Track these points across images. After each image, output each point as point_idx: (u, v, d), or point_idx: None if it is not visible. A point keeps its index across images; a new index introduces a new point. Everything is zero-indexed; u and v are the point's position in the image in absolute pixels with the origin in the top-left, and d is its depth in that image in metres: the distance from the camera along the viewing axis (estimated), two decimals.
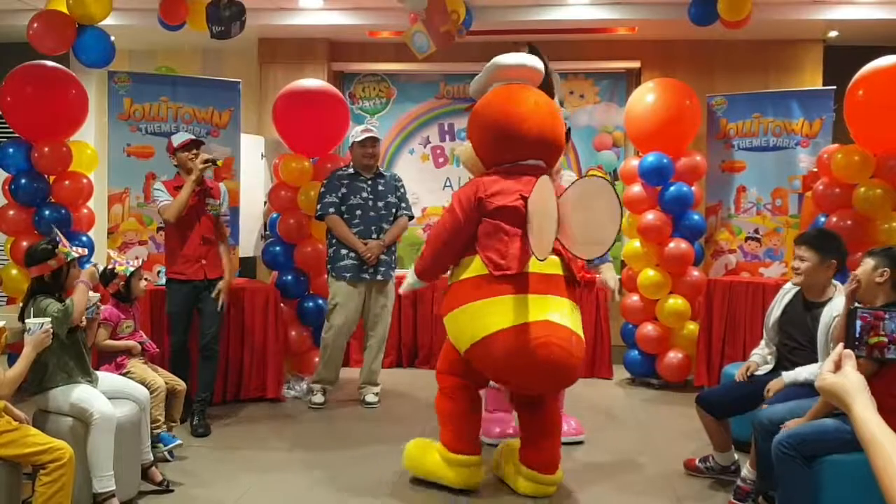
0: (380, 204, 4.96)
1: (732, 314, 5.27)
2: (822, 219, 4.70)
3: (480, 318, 3.23)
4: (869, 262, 2.90)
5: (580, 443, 4.21)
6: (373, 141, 4.96)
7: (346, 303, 4.90)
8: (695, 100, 5.53)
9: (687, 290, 5.47)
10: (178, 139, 4.41)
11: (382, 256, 4.90)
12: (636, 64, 6.46)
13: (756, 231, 5.70)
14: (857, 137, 4.62)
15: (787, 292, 3.58)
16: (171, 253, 4.46)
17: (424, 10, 4.88)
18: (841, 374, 1.39)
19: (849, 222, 4.52)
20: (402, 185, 5.15)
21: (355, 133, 4.99)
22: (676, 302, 5.44)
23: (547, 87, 3.58)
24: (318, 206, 4.97)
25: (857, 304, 2.06)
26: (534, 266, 3.20)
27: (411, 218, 5.18)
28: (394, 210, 5.02)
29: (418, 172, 6.67)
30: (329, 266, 4.99)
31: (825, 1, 5.67)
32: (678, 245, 5.41)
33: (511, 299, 3.17)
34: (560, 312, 3.18)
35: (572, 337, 3.18)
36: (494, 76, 3.52)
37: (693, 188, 5.46)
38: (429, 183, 6.66)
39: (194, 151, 4.33)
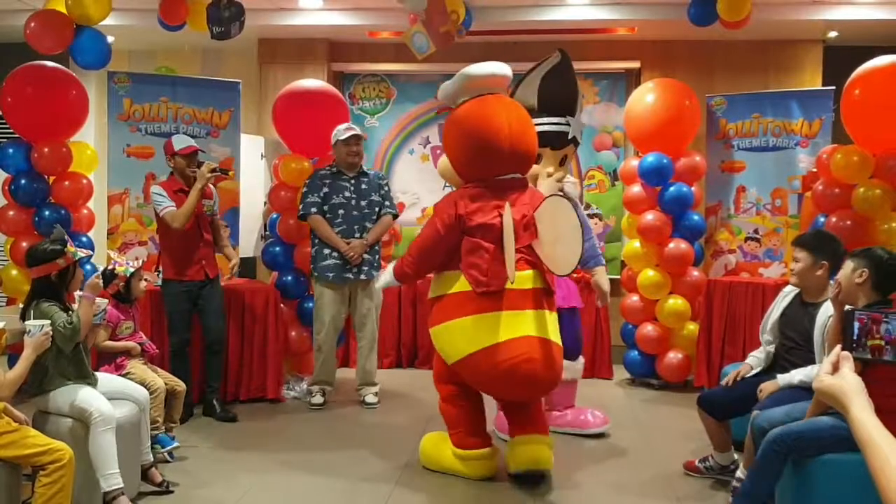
0: (363, 203, 4.94)
1: (732, 314, 5.27)
2: (822, 219, 4.70)
3: (465, 336, 3.35)
4: (849, 265, 2.93)
5: (603, 435, 4.31)
6: (357, 139, 4.94)
7: (331, 303, 4.91)
8: (694, 100, 5.53)
9: (687, 290, 5.47)
10: (178, 143, 4.41)
11: (366, 256, 4.89)
12: (636, 64, 6.46)
13: (756, 231, 5.70)
14: (856, 137, 4.62)
15: (787, 294, 3.59)
16: (169, 255, 4.48)
17: (424, 11, 4.87)
18: (838, 376, 1.39)
19: (848, 223, 4.51)
20: (387, 184, 5.14)
21: (339, 131, 4.96)
22: (676, 302, 5.44)
23: (574, 87, 3.64)
24: (301, 207, 4.97)
25: (850, 307, 2.06)
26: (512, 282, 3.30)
27: (395, 216, 5.18)
28: (377, 209, 5.00)
29: (418, 172, 6.68)
30: (312, 266, 5.00)
31: (825, 1, 5.67)
32: (678, 245, 5.41)
33: (493, 317, 3.30)
34: (539, 326, 3.33)
35: (551, 348, 3.33)
36: (465, 87, 3.53)
37: (693, 188, 5.47)
38: (429, 183, 6.64)
39: (196, 166, 4.38)
